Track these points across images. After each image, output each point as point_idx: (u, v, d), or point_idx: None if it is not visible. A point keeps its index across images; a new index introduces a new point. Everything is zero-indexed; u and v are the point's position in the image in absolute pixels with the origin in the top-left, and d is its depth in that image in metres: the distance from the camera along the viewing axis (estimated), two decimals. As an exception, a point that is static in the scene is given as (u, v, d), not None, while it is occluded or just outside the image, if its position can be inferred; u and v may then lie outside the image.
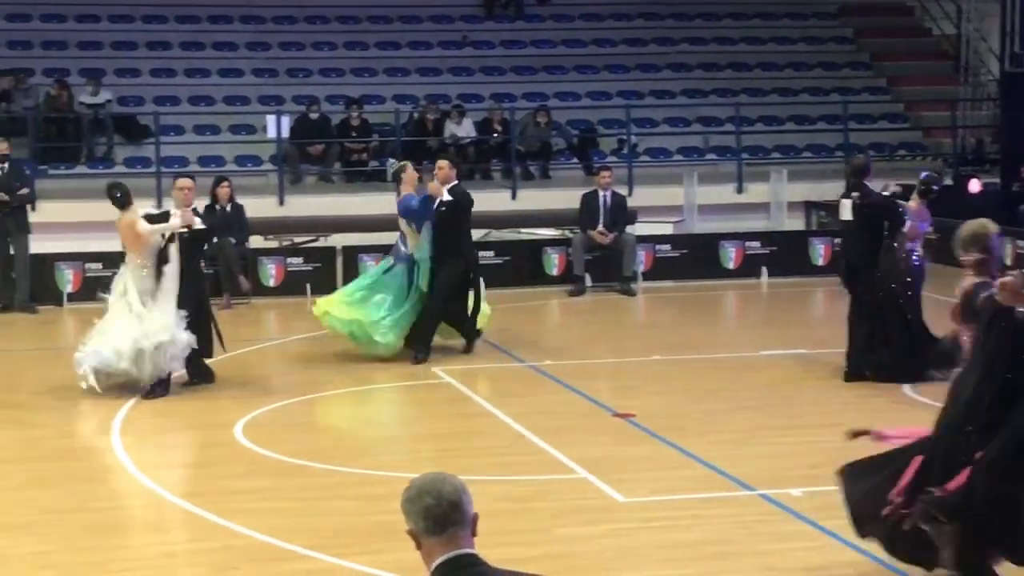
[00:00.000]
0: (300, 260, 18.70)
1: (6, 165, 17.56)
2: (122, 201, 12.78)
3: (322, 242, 19.24)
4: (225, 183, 18.18)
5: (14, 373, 14.01)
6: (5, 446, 10.73)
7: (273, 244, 19.05)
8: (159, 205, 19.69)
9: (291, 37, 24.63)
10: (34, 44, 23.57)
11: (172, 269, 12.49)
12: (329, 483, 9.64)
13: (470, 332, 14.27)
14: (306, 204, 20.27)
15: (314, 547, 8.17)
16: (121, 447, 10.60)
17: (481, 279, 14.55)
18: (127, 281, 12.53)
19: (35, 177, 18.58)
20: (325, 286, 18.35)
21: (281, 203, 20.26)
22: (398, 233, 14.35)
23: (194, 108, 22.87)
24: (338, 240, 19.06)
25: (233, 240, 17.84)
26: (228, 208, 18.01)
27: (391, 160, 13.96)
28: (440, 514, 4.00)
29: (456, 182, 14.34)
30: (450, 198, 14.01)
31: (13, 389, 13.06)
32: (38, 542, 8.34)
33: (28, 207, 17.58)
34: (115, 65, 23.41)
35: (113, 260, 17.99)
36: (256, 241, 18.66)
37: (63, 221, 18.57)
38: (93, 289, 17.87)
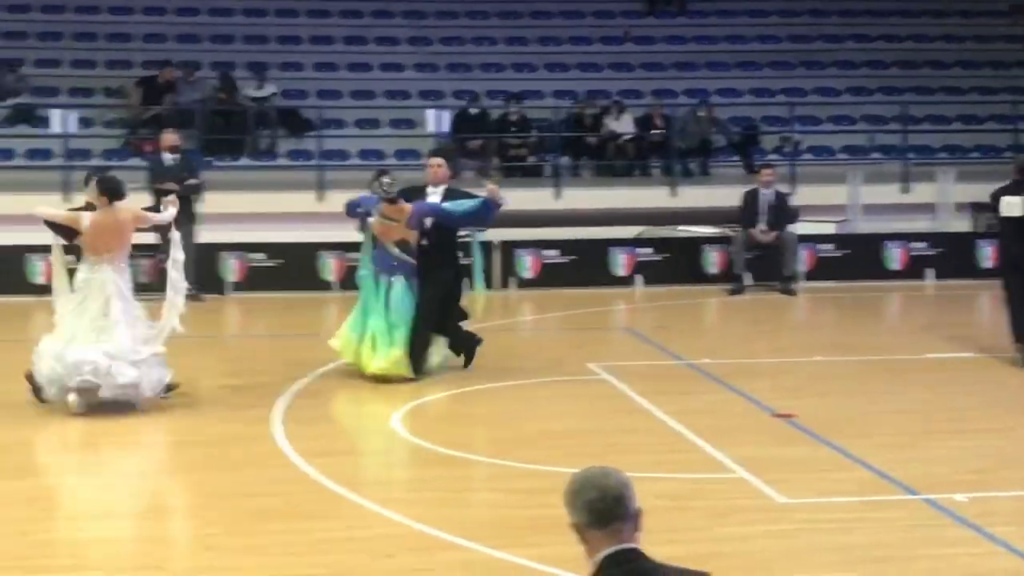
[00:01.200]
0: (458, 255, 18.71)
1: (178, 156, 17.94)
2: (122, 192, 11.70)
3: (479, 236, 19.25)
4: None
5: (178, 360, 14.24)
6: (171, 430, 10.92)
7: (432, 238, 19.12)
8: (320, 197, 20.03)
9: (452, 32, 24.76)
10: (202, 38, 24.04)
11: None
12: (486, 475, 9.64)
13: (462, 345, 13.27)
14: (465, 199, 20.30)
15: (471, 538, 8.17)
16: (282, 434, 10.72)
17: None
18: (108, 284, 11.42)
19: (202, 169, 18.93)
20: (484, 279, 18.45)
21: (440, 197, 20.34)
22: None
23: (356, 102, 23.12)
24: (495, 235, 19.07)
25: (393, 233, 17.95)
26: (389, 201, 18.11)
27: (386, 179, 12.98)
28: (604, 508, 3.95)
29: (448, 184, 13.30)
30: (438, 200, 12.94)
31: (182, 374, 13.28)
32: (202, 524, 8.48)
33: (195, 197, 17.91)
34: (280, 59, 23.77)
35: (277, 250, 18.38)
36: (415, 235, 18.75)
37: (227, 212, 18.88)
38: (256, 279, 18.26)
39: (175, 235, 11.92)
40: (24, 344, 14.71)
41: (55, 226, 11.65)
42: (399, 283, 12.68)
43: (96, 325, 11.26)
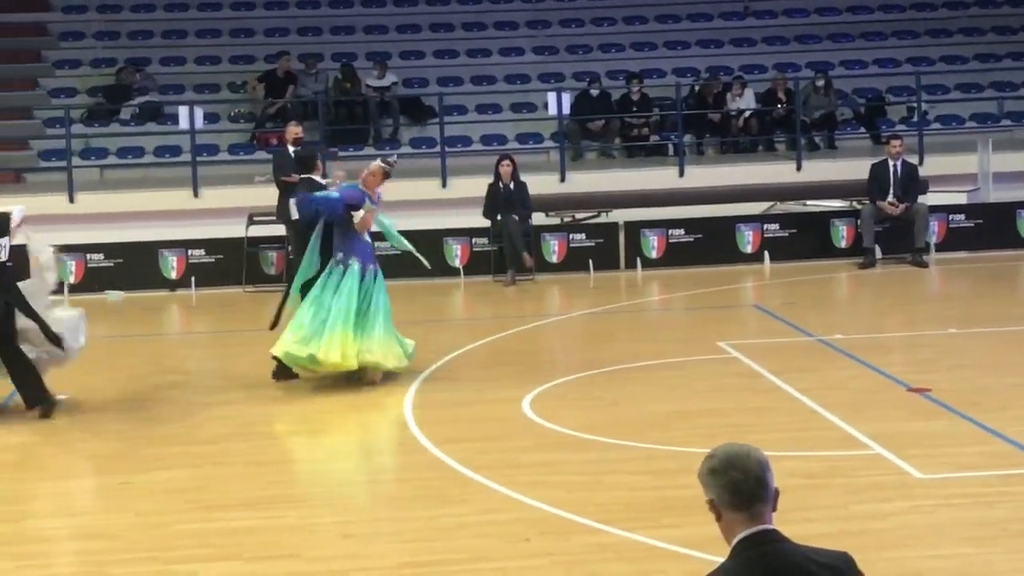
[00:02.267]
0: (582, 236, 18.72)
1: (300, 148, 18.08)
2: None
3: (604, 218, 19.23)
4: (507, 161, 18.34)
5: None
6: (304, 418, 11.04)
7: (555, 220, 19.13)
8: (444, 184, 20.11)
9: (571, 14, 24.68)
10: (323, 30, 24.24)
11: None
12: (617, 457, 9.60)
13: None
14: (587, 180, 20.27)
15: (604, 521, 8.15)
16: (413, 421, 10.78)
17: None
18: None
19: (326, 160, 19.06)
20: (607, 262, 18.42)
21: (563, 179, 20.31)
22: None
23: (476, 88, 23.15)
24: (620, 216, 19.02)
25: (516, 217, 18.00)
26: (511, 186, 18.17)
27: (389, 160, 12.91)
28: (747, 490, 3.90)
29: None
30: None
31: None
32: (338, 513, 8.55)
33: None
34: (400, 48, 23.89)
35: (408, 238, 18.42)
36: (538, 218, 18.77)
37: (353, 201, 18.98)
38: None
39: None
40: (160, 338, 15.05)
41: None
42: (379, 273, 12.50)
43: None
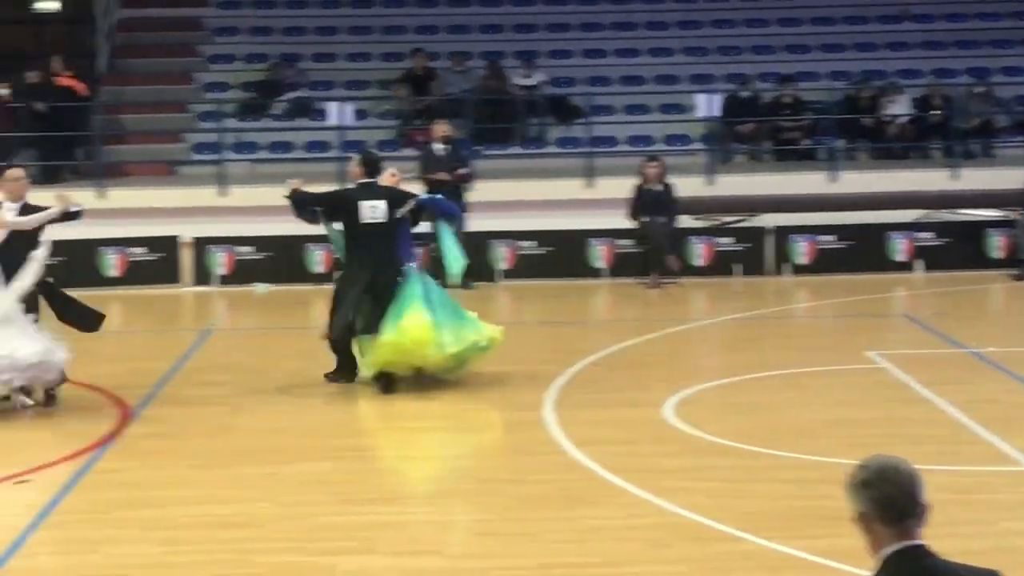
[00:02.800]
0: (730, 240, 18.53)
1: (449, 146, 18.19)
2: None
3: (752, 222, 19.01)
4: (654, 162, 18.22)
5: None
6: (446, 416, 11.06)
7: (702, 224, 18.96)
8: (590, 184, 20.03)
9: (722, 15, 24.46)
10: (471, 28, 24.33)
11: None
12: (761, 465, 9.46)
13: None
14: (735, 183, 20.06)
15: (747, 529, 8.02)
16: (554, 422, 10.74)
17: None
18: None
19: (471, 158, 19.15)
20: (754, 266, 18.20)
21: (710, 182, 20.13)
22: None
23: (625, 88, 23.06)
24: (768, 220, 18.79)
25: (662, 219, 17.87)
26: (658, 187, 18.05)
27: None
28: (899, 505, 3.80)
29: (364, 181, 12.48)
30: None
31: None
32: (477, 510, 8.54)
33: (465, 186, 18.13)
34: (548, 47, 23.88)
35: (547, 238, 18.44)
36: (684, 220, 18.61)
37: (497, 200, 19.03)
38: (526, 266, 18.37)
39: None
40: (305, 331, 15.18)
41: None
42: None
43: None
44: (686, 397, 11.48)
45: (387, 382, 11.77)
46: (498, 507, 8.59)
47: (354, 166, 12.66)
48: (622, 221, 18.27)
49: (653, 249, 17.75)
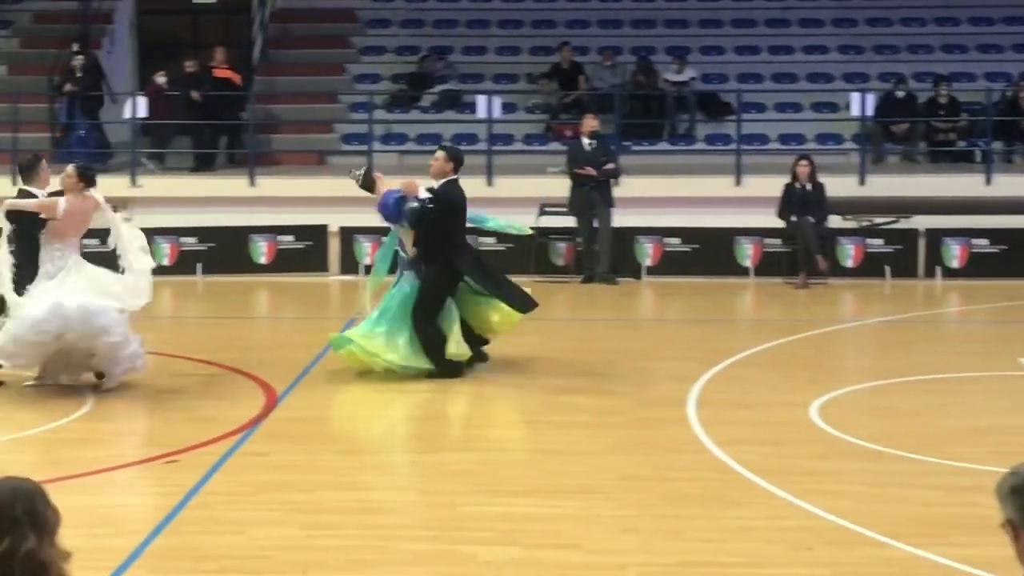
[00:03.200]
0: (880, 241, 18.23)
1: (595, 141, 18.16)
2: (95, 179, 11.81)
3: (904, 224, 18.68)
4: (805, 161, 18.00)
5: (593, 342, 14.44)
6: (589, 411, 11.03)
7: (852, 224, 18.68)
8: (738, 182, 19.85)
9: (878, 13, 24.10)
10: (623, 23, 24.26)
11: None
12: (908, 470, 9.28)
13: (471, 346, 12.32)
14: (888, 184, 19.73)
15: (891, 535, 7.87)
16: (696, 420, 10.66)
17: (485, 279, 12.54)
18: (82, 264, 11.54)
19: (619, 153, 19.08)
20: (905, 269, 17.89)
21: (862, 182, 19.81)
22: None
23: (777, 85, 22.82)
24: (921, 222, 18.45)
25: (812, 219, 17.65)
26: (808, 186, 17.83)
27: (354, 171, 13.01)
28: (1051, 513, 3.67)
29: (453, 177, 12.65)
30: (427, 195, 12.31)
31: (593, 357, 13.46)
32: (619, 506, 8.50)
33: (612, 182, 18.09)
34: (700, 43, 23.72)
35: (693, 235, 18.32)
36: (835, 220, 18.35)
37: (644, 196, 18.96)
38: (671, 263, 18.27)
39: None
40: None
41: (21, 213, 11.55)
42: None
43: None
44: (832, 399, 11.32)
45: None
46: (640, 503, 8.55)
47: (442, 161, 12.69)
48: (770, 220, 18.08)
49: (802, 249, 17.53)
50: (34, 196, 11.74)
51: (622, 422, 10.70)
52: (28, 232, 11.51)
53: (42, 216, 11.43)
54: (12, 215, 11.66)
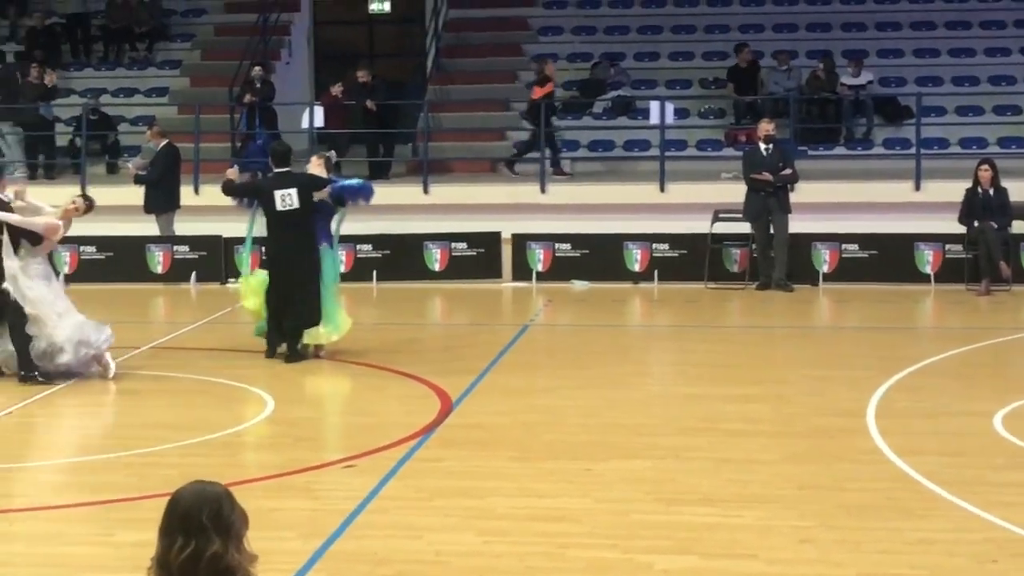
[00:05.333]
0: (1066, 247, 17.69)
1: (772, 146, 17.94)
2: None
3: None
4: (986, 166, 17.54)
5: (770, 349, 14.27)
6: (765, 420, 10.89)
7: (1035, 229, 18.16)
8: (918, 187, 19.42)
9: (1063, 14, 23.41)
10: (799, 26, 23.95)
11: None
12: (1100, 484, 8.97)
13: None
14: (1074, 188, 19.11)
15: (1084, 551, 7.62)
16: (876, 430, 10.45)
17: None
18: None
19: (795, 158, 18.82)
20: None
21: (1047, 187, 19.23)
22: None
23: (957, 88, 22.30)
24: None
25: (995, 224, 17.20)
26: (990, 191, 17.39)
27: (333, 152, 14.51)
28: None
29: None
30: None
31: (770, 365, 13.31)
32: (797, 516, 8.37)
33: (789, 187, 17.84)
34: (878, 46, 23.30)
35: (871, 241, 17.97)
36: (1018, 226, 17.84)
37: (820, 201, 18.67)
38: (849, 269, 17.95)
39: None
40: (622, 329, 15.21)
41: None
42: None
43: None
44: (1017, 409, 11.00)
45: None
46: (818, 514, 8.40)
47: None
48: (951, 225, 17.66)
49: (984, 255, 17.10)
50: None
51: (800, 431, 10.54)
52: None
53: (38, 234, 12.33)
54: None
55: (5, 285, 12.24)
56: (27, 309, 12.17)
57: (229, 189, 13.85)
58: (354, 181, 13.79)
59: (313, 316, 13.21)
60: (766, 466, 9.49)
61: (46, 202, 13.02)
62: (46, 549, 8.01)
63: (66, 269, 18.78)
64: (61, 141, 22.79)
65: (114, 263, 18.96)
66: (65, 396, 12.13)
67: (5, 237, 12.33)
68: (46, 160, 22.32)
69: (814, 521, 8.27)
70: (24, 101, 22.74)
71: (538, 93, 21.01)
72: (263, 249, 14.43)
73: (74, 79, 24.35)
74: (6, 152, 22.56)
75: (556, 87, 22.95)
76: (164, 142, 19.31)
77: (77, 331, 12.32)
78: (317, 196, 13.35)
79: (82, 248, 18.99)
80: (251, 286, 13.52)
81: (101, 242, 19.04)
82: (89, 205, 12.81)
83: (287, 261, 13.18)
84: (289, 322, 13.21)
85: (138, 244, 19.03)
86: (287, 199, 13.20)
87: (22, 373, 12.22)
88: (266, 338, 13.38)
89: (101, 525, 8.38)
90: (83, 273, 18.87)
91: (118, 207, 19.31)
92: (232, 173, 14.16)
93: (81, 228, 18.94)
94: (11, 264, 12.25)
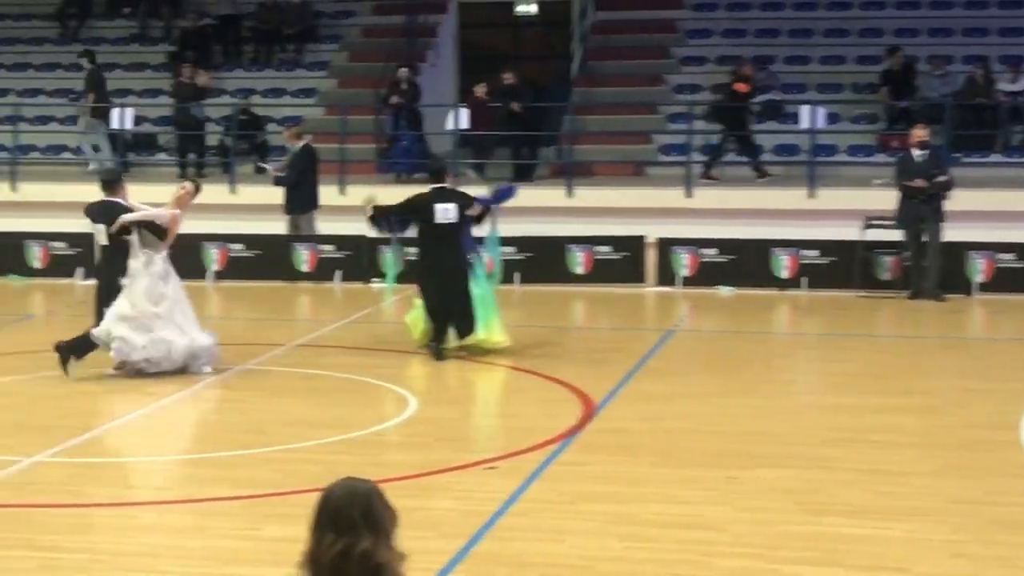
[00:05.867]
0: None
1: (926, 152, 17.55)
2: None
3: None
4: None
5: (920, 360, 13.94)
6: (913, 431, 10.64)
7: None
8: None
9: None
10: (955, 31, 23.43)
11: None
12: None
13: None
14: None
15: None
16: (1031, 443, 10.16)
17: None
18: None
19: (949, 164, 18.40)
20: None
21: None
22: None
23: (1119, 95, 21.65)
24: None
25: None
26: None
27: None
28: None
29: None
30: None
31: (919, 376, 13.00)
32: (949, 530, 8.13)
33: (943, 195, 17.43)
34: (1037, 51, 22.73)
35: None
36: None
37: (975, 210, 18.21)
38: (1004, 279, 17.47)
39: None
40: (768, 336, 14.93)
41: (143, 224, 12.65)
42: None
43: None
44: None
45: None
46: (970, 528, 8.16)
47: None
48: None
49: None
50: (121, 206, 12.72)
51: (950, 443, 10.27)
52: (122, 245, 12.60)
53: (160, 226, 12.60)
54: (129, 227, 12.59)
55: (124, 281, 12.51)
56: (130, 308, 12.42)
57: (379, 214, 13.94)
58: (497, 189, 13.92)
59: (471, 325, 13.48)
60: (915, 478, 9.25)
61: (137, 200, 13.22)
62: (193, 542, 8.07)
63: (215, 266, 19.09)
64: (211, 140, 23.14)
65: (261, 261, 19.19)
66: (211, 389, 12.28)
67: (133, 237, 12.58)
68: (196, 159, 22.68)
69: (967, 535, 8.03)
70: (176, 101, 23.15)
71: (743, 88, 20.90)
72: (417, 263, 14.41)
73: (225, 79, 24.72)
74: (100, 150, 22.93)
75: (704, 90, 22.77)
76: (301, 143, 19.43)
77: (164, 346, 12.52)
78: (469, 212, 13.65)
79: (230, 246, 19.25)
80: (415, 320, 13.72)
81: (249, 240, 19.30)
82: (197, 186, 13.18)
83: (444, 272, 13.49)
84: (454, 327, 13.57)
85: (284, 243, 19.23)
86: (448, 212, 13.51)
87: (62, 347, 12.56)
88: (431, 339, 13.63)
89: (247, 519, 8.43)
90: (231, 270, 19.14)
91: (266, 205, 19.61)
92: (370, 202, 14.04)
93: (230, 226, 19.40)
94: (135, 263, 12.53)
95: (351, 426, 10.71)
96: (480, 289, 13.59)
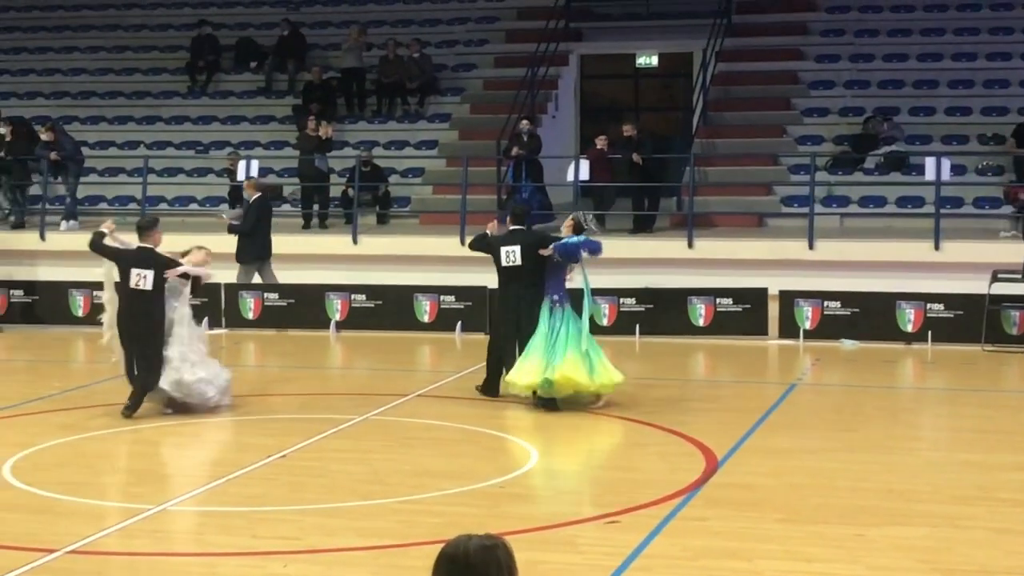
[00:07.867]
0: None
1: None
2: None
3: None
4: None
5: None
6: (1046, 489, 10.39)
7: None
8: None
9: None
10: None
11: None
12: None
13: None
14: None
15: None
16: None
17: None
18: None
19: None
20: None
21: None
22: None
23: None
24: None
25: None
26: None
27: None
28: None
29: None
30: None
31: None
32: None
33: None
34: None
35: None
36: None
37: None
38: None
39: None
40: (893, 391, 14.65)
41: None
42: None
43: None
44: None
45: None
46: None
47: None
48: None
49: None
50: (155, 253, 13.37)
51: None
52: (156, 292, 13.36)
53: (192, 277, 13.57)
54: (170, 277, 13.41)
55: (174, 330, 13.36)
56: (184, 353, 13.33)
57: (477, 241, 14.65)
58: (574, 239, 13.75)
59: (508, 363, 13.82)
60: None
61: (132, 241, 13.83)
62: (315, 592, 8.10)
63: (337, 316, 19.27)
64: (334, 192, 23.40)
65: (383, 311, 19.35)
66: (333, 439, 12.36)
67: (173, 284, 13.39)
68: (319, 210, 22.95)
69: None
70: (301, 153, 23.48)
71: None
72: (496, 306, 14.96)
73: (348, 132, 25.02)
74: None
75: (826, 142, 22.59)
76: (258, 195, 20.35)
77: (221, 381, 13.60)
78: (543, 252, 13.70)
79: (353, 296, 19.42)
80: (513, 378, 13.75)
81: (371, 291, 19.47)
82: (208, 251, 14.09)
83: (512, 312, 13.92)
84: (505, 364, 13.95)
85: (407, 293, 19.37)
86: (511, 256, 13.92)
87: (129, 405, 13.24)
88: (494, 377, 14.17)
89: (370, 570, 8.46)
90: (353, 320, 19.30)
91: (389, 256, 19.77)
92: (492, 227, 14.62)
93: (352, 276, 19.57)
94: (181, 310, 13.46)
95: (472, 477, 10.71)
96: (572, 329, 13.49)
